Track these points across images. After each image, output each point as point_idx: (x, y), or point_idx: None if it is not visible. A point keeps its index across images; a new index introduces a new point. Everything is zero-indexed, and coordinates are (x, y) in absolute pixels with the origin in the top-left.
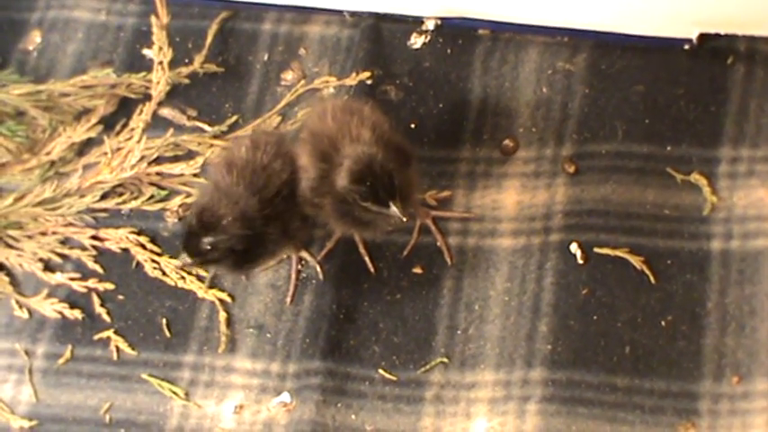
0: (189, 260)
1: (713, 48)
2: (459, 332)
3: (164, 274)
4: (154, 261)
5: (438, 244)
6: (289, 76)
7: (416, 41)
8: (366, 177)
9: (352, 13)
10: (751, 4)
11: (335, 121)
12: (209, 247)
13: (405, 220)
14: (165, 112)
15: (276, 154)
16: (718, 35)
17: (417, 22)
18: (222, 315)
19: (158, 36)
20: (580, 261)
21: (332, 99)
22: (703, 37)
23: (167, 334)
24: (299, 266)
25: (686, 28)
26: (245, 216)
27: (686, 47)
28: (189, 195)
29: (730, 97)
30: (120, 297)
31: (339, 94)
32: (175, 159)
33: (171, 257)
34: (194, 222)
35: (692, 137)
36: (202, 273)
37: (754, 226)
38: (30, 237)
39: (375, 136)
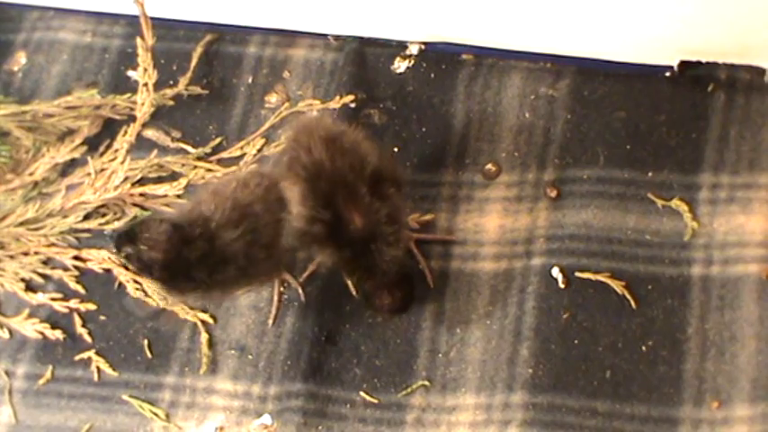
0: (117, 241)
1: (694, 75)
2: (440, 355)
3: (146, 294)
4: (136, 282)
5: (420, 267)
6: (273, 98)
7: (400, 66)
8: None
9: (337, 37)
10: (731, 33)
11: (330, 159)
12: (135, 251)
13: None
14: (150, 133)
15: (262, 198)
16: (699, 63)
17: (401, 46)
18: (204, 336)
19: (143, 58)
20: (561, 285)
21: (314, 121)
22: (684, 64)
23: (149, 355)
24: (282, 288)
25: (668, 55)
26: (211, 241)
27: (668, 74)
28: None
29: (711, 124)
30: (102, 318)
31: (322, 116)
32: (159, 180)
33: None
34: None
35: (674, 163)
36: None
37: (735, 252)
38: (12, 257)
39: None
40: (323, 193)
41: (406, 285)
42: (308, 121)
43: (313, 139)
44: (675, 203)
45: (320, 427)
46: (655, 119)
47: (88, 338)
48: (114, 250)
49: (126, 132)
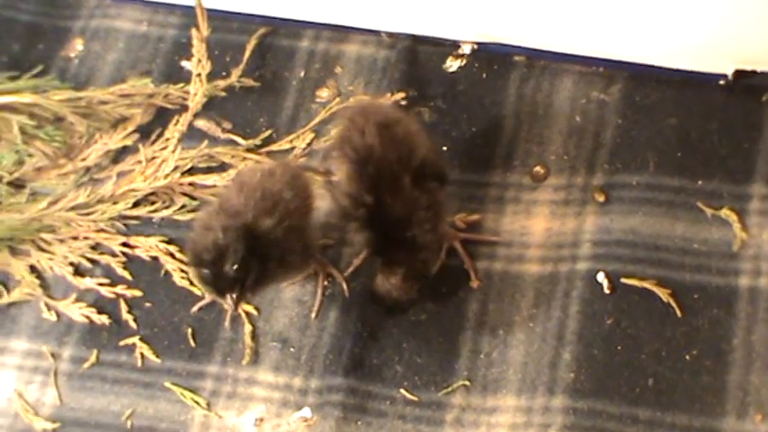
0: (231, 299)
1: (748, 85)
2: (482, 356)
3: (191, 283)
4: (182, 270)
5: (465, 266)
6: (324, 93)
7: (452, 65)
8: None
9: (390, 34)
10: None
11: (381, 145)
12: (233, 273)
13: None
14: (201, 123)
15: (289, 183)
16: (753, 72)
17: (454, 45)
18: (247, 327)
19: (198, 48)
20: (606, 291)
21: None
22: (739, 73)
23: (192, 343)
24: (326, 282)
25: (722, 63)
26: (249, 234)
27: (721, 82)
28: None
29: (764, 134)
30: (148, 304)
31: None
32: (208, 171)
33: None
34: (204, 263)
35: (724, 172)
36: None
37: None
38: (61, 241)
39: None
40: (369, 177)
41: (421, 283)
42: (366, 103)
43: (368, 123)
44: (725, 213)
45: (359, 423)
46: (706, 127)
47: (133, 324)
48: (232, 298)
49: (178, 122)
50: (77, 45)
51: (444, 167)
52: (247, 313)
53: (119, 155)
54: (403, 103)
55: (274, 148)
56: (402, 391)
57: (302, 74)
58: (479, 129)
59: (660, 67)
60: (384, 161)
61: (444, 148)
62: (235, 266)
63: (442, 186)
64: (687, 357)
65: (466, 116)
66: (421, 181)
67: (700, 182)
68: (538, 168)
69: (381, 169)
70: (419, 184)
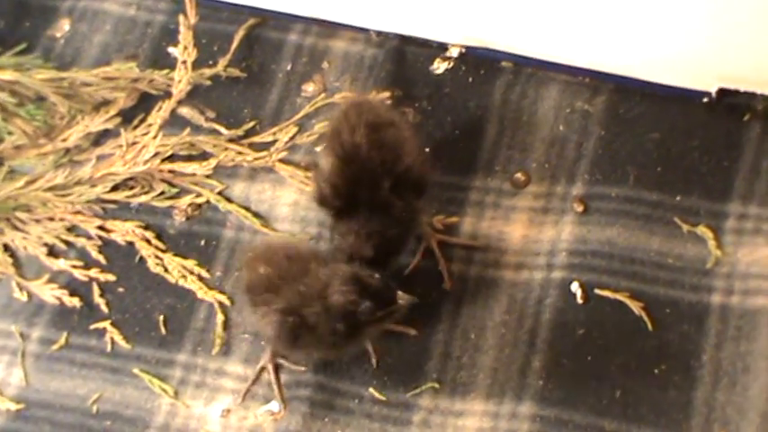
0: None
1: (731, 103)
2: (452, 359)
3: (166, 270)
4: (157, 257)
5: (439, 268)
6: (310, 87)
7: (439, 67)
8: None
9: (379, 33)
10: None
11: (367, 146)
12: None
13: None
14: (184, 111)
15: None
16: (737, 91)
17: (442, 47)
18: (220, 317)
19: (185, 35)
20: (580, 301)
21: (368, 102)
22: (722, 92)
23: (163, 331)
24: None
25: (706, 81)
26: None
27: (705, 100)
28: (199, 195)
29: (744, 154)
30: (121, 289)
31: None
32: (189, 159)
33: (175, 255)
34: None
35: (703, 189)
36: (204, 273)
37: (756, 284)
38: (37, 221)
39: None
40: (351, 174)
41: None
42: (362, 100)
43: (360, 122)
44: (701, 230)
45: (326, 419)
46: (688, 143)
47: (105, 309)
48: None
49: (161, 108)
50: (64, 25)
51: (427, 180)
52: (220, 303)
53: (99, 138)
54: (388, 102)
55: (257, 139)
56: (371, 389)
57: (289, 67)
58: (463, 132)
59: (645, 81)
60: (368, 163)
61: (427, 149)
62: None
63: (419, 197)
64: (656, 371)
65: (450, 119)
66: (401, 189)
67: (678, 197)
68: (519, 175)
69: (364, 170)
70: (398, 192)
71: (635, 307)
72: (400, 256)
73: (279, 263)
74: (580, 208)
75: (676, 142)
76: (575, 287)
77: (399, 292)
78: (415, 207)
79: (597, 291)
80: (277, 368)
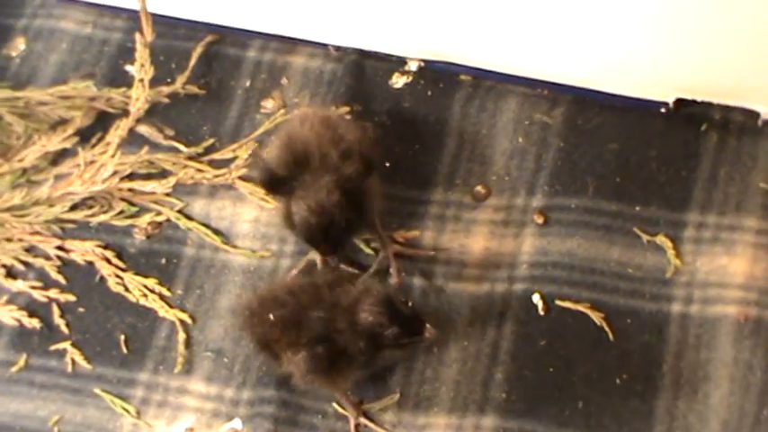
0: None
1: (689, 113)
2: (415, 373)
3: (126, 289)
4: (118, 276)
5: (390, 270)
6: (269, 104)
7: (398, 81)
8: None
9: (337, 48)
10: (728, 74)
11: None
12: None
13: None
14: (143, 129)
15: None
16: (694, 101)
17: (400, 62)
18: (181, 336)
19: (141, 53)
20: (541, 312)
21: (323, 110)
22: (680, 102)
23: (124, 350)
24: None
25: (664, 92)
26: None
27: (663, 110)
28: (159, 213)
29: (701, 163)
30: (81, 309)
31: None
32: (148, 177)
33: (135, 274)
34: None
35: (662, 199)
36: (165, 292)
37: (715, 292)
38: None
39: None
40: (297, 149)
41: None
42: (320, 109)
43: (311, 116)
44: (660, 239)
45: None
46: (646, 154)
47: (65, 329)
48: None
49: (119, 126)
50: (19, 44)
51: (373, 156)
52: (182, 321)
53: (57, 157)
54: (347, 117)
55: (217, 156)
56: (334, 405)
57: (248, 83)
58: (422, 146)
59: (603, 93)
60: (313, 141)
61: (387, 164)
62: None
63: (368, 174)
64: (617, 381)
65: (410, 133)
66: (348, 161)
67: (637, 207)
68: (479, 188)
69: (309, 148)
70: (344, 161)
71: (596, 318)
72: (351, 236)
73: (285, 301)
74: (540, 220)
75: (635, 152)
76: (536, 299)
77: (428, 326)
78: (365, 185)
79: (558, 302)
80: (358, 427)
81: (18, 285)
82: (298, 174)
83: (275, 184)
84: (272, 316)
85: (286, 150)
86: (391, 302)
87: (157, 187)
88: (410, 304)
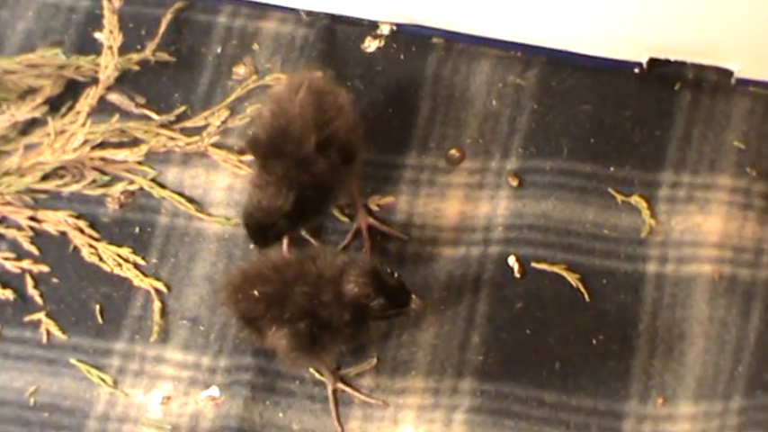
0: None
1: (662, 73)
2: (392, 337)
3: (100, 259)
4: (91, 246)
5: (364, 251)
6: (241, 70)
7: (370, 45)
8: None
9: (309, 13)
10: (701, 33)
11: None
12: None
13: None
14: (113, 97)
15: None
16: (667, 61)
17: (372, 26)
18: (157, 305)
19: (109, 20)
20: (517, 275)
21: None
22: (653, 62)
23: (100, 320)
24: None
25: (637, 52)
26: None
27: (636, 70)
28: (131, 182)
29: (675, 123)
30: (55, 280)
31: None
32: (120, 145)
33: (109, 243)
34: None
35: (636, 159)
36: (140, 261)
37: (690, 251)
38: None
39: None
40: (282, 123)
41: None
42: (315, 75)
43: (302, 83)
44: (635, 200)
45: (267, 402)
46: (620, 114)
47: (39, 300)
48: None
49: (89, 95)
50: None
51: (356, 148)
52: (157, 290)
53: (26, 127)
54: (337, 88)
55: (189, 124)
56: (311, 370)
57: (219, 50)
58: (396, 110)
59: (576, 54)
60: (299, 117)
61: (361, 130)
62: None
63: (347, 163)
64: (594, 342)
65: (383, 97)
66: (327, 149)
67: (611, 168)
68: (453, 152)
69: (293, 122)
70: (324, 152)
71: (572, 279)
72: (319, 217)
73: (269, 277)
74: (515, 182)
75: (609, 113)
76: (512, 261)
77: (414, 297)
78: (341, 171)
79: (534, 264)
80: (335, 393)
81: None
82: (280, 143)
83: (258, 150)
84: (256, 292)
85: (272, 121)
86: (377, 273)
87: (129, 156)
88: (396, 275)
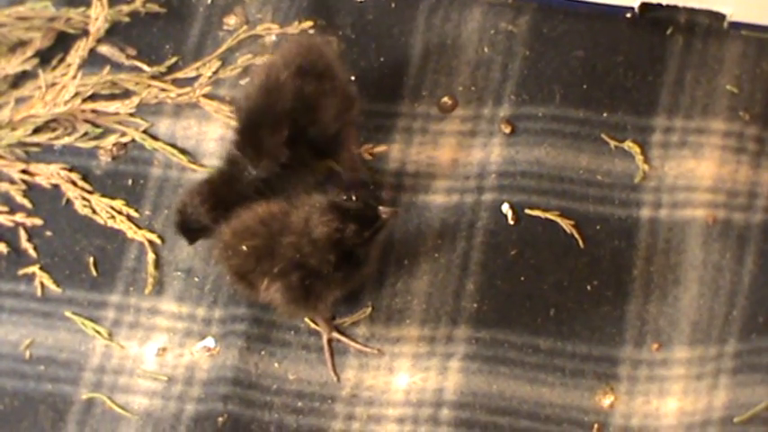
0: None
1: (654, 18)
2: (386, 286)
3: (93, 212)
4: (84, 199)
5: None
6: (231, 20)
7: None
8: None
9: None
10: None
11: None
12: None
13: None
14: (104, 49)
15: None
16: (659, 5)
17: None
18: (151, 256)
19: None
20: (511, 222)
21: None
22: (645, 6)
23: (94, 273)
24: None
25: None
26: None
27: (628, 15)
28: (123, 134)
29: (668, 68)
30: (48, 233)
31: (281, 42)
32: (112, 97)
33: (102, 196)
34: None
35: (629, 105)
36: (133, 213)
37: (683, 196)
38: None
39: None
40: (263, 107)
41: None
42: (313, 44)
43: (293, 64)
44: (628, 145)
45: (263, 353)
46: (612, 60)
47: (33, 253)
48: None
49: (79, 47)
50: None
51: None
52: (151, 242)
53: (17, 80)
54: (311, 32)
55: (180, 75)
56: (306, 320)
57: (209, 0)
58: (388, 59)
59: (568, 0)
60: (276, 107)
61: (352, 78)
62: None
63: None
64: (588, 288)
65: (374, 46)
66: (295, 143)
67: (604, 114)
68: (445, 99)
69: (265, 114)
70: (292, 146)
71: (565, 225)
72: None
73: (256, 231)
74: (508, 129)
75: (601, 59)
76: (505, 208)
77: (381, 208)
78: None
79: (528, 211)
80: (330, 342)
81: None
82: (256, 125)
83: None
84: (245, 246)
85: (256, 100)
86: (336, 205)
87: (121, 108)
88: (354, 198)
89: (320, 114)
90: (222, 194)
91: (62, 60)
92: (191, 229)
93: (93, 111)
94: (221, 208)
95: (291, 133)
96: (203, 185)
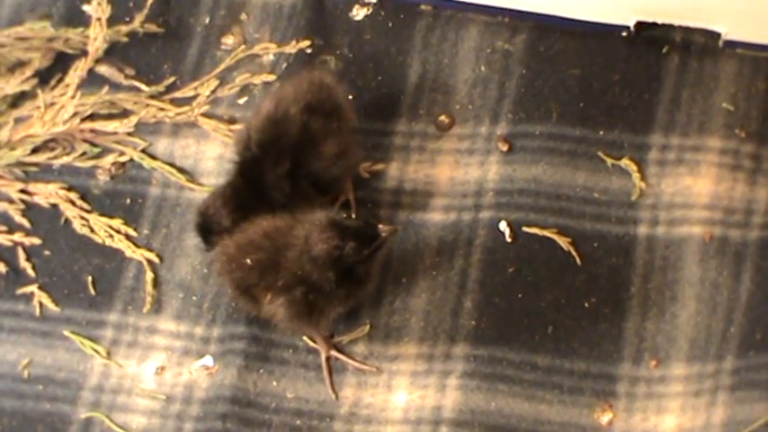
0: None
1: (650, 36)
2: (385, 304)
3: (92, 231)
4: (83, 218)
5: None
6: (229, 40)
7: (358, 13)
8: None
9: None
10: None
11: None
12: None
13: (396, 229)
14: (103, 69)
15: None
16: (655, 24)
17: None
18: (149, 275)
19: None
20: (508, 239)
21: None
22: (641, 25)
23: (92, 292)
24: None
25: (624, 15)
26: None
27: (624, 34)
28: (122, 153)
29: (664, 86)
30: (47, 252)
31: (278, 61)
32: (110, 117)
33: (100, 215)
34: None
35: (625, 122)
36: (131, 232)
37: (680, 213)
38: None
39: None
40: (268, 138)
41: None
42: (324, 82)
43: (301, 101)
44: (625, 163)
45: (261, 371)
46: (609, 78)
47: (32, 273)
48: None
49: (78, 67)
50: None
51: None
52: (149, 261)
53: (16, 100)
54: (308, 51)
55: (178, 95)
56: (305, 338)
57: (207, 20)
58: (385, 78)
59: (564, 18)
60: (280, 140)
61: (350, 97)
62: None
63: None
64: (586, 305)
65: (372, 65)
66: (296, 179)
67: (601, 132)
68: (443, 117)
69: (268, 148)
70: (293, 180)
71: (563, 243)
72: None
73: (260, 245)
74: (505, 147)
75: (597, 77)
76: (503, 226)
77: (380, 226)
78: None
79: (525, 228)
80: (329, 360)
81: None
82: (259, 154)
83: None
84: (249, 261)
85: (262, 129)
86: (336, 223)
87: (119, 127)
88: (353, 216)
89: (323, 151)
90: (244, 198)
91: (61, 80)
92: (209, 231)
93: (92, 130)
94: (243, 211)
95: (293, 167)
96: (226, 188)
